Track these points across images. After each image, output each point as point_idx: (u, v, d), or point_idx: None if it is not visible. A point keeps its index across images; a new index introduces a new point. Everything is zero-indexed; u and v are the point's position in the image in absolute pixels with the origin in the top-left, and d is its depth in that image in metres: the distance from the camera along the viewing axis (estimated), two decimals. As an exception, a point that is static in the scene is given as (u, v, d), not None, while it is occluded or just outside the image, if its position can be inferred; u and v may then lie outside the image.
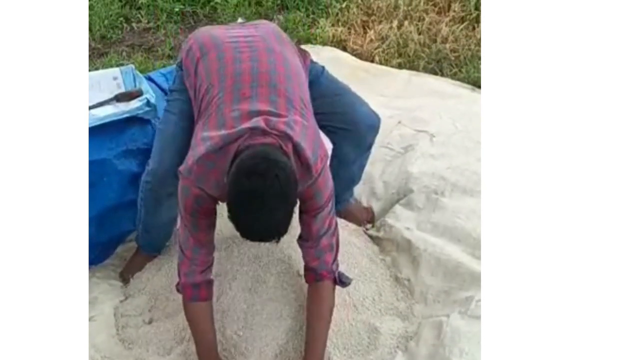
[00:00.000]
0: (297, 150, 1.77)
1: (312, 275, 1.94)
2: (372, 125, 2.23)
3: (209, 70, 1.93)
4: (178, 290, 1.96)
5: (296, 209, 1.78)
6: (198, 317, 1.92)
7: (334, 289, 1.96)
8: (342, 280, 1.99)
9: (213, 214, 1.89)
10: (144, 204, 2.16)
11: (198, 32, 2.10)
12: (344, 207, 2.38)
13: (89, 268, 2.25)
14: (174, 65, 2.27)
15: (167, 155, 2.03)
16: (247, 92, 1.84)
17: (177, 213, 2.22)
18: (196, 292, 1.90)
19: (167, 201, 2.11)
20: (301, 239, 1.95)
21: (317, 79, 2.11)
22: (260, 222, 1.67)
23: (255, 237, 1.74)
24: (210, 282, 1.93)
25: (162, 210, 2.16)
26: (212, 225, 1.91)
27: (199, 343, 1.92)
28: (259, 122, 1.75)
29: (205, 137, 1.79)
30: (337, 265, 1.97)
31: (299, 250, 1.99)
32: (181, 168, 1.83)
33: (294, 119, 1.80)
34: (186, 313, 1.93)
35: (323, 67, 2.18)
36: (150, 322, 2.11)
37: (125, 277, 2.30)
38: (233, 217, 1.69)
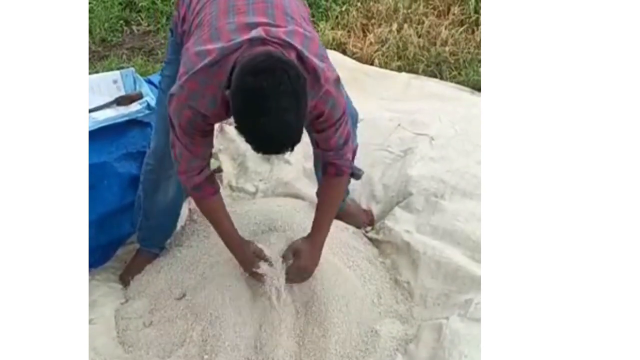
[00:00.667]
0: (301, 58, 1.67)
1: (334, 170, 1.95)
2: (353, 120, 2.15)
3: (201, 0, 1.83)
4: (188, 193, 2.00)
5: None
6: (210, 211, 1.99)
7: (346, 181, 2.07)
8: (356, 173, 2.07)
9: (210, 132, 1.83)
10: (143, 188, 2.17)
11: None
12: (343, 209, 2.39)
13: (89, 271, 2.25)
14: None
15: (164, 135, 1.99)
16: (242, 7, 1.75)
17: (176, 195, 2.23)
18: (200, 192, 1.94)
19: (166, 183, 2.12)
20: (320, 148, 1.91)
21: None
22: (271, 124, 1.55)
23: (267, 144, 1.61)
24: (209, 178, 1.92)
25: (160, 195, 2.16)
26: (210, 140, 1.85)
27: (219, 231, 2.00)
28: (258, 31, 1.66)
29: (201, 51, 1.69)
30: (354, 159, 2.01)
31: None
32: (172, 89, 1.74)
33: (294, 29, 1.71)
34: (201, 210, 2.03)
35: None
36: (150, 325, 2.11)
37: (125, 280, 2.30)
38: (242, 125, 1.60)
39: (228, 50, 1.65)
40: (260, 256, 1.99)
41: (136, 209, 2.24)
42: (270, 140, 1.60)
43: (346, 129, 1.88)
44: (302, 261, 2.01)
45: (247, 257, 2.00)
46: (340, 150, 1.90)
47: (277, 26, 1.71)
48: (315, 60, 1.70)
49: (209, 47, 1.68)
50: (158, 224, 2.26)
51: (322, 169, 2.00)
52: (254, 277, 2.01)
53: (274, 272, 1.99)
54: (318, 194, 2.09)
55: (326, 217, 2.03)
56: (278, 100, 1.54)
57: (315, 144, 1.93)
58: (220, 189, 1.99)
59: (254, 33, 1.66)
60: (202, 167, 1.89)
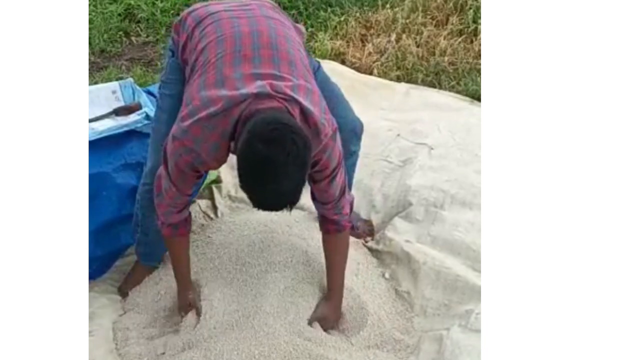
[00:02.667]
0: (304, 114, 1.71)
1: (334, 227, 1.99)
2: (356, 132, 2.21)
3: (205, 32, 1.86)
4: (160, 227, 2.01)
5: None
6: (176, 251, 2.07)
7: (348, 234, 2.08)
8: (354, 225, 2.11)
9: (200, 175, 1.89)
10: (141, 207, 2.16)
11: (192, 8, 2.03)
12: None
13: (88, 282, 2.24)
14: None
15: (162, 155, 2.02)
16: (249, 53, 1.77)
17: None
18: (174, 230, 1.99)
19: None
20: (318, 202, 1.95)
21: (313, 73, 2.04)
22: (277, 191, 1.61)
23: (270, 207, 1.68)
24: (187, 219, 2.00)
25: None
26: (198, 181, 1.93)
27: (176, 269, 2.10)
28: (264, 86, 1.69)
29: (205, 98, 1.72)
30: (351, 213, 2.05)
31: None
32: (174, 130, 1.77)
33: (298, 83, 1.75)
34: (167, 247, 2.09)
35: (319, 63, 2.15)
36: (149, 337, 2.10)
37: (124, 292, 2.29)
38: (247, 187, 1.64)
39: (233, 102, 1.68)
40: (192, 305, 2.09)
41: (134, 224, 2.23)
42: (273, 204, 1.67)
43: (342, 179, 1.90)
44: (327, 325, 2.08)
45: (184, 302, 2.11)
46: (338, 202, 1.92)
47: (282, 78, 1.74)
48: (317, 115, 1.74)
49: (214, 94, 1.71)
50: (157, 239, 2.25)
51: (320, 225, 2.03)
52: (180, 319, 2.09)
53: (196, 322, 2.05)
54: (324, 253, 2.09)
55: (339, 274, 2.07)
56: (286, 170, 1.59)
57: (312, 197, 1.96)
58: (190, 231, 2.07)
59: (260, 88, 1.69)
60: (184, 205, 1.94)
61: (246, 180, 1.64)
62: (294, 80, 1.75)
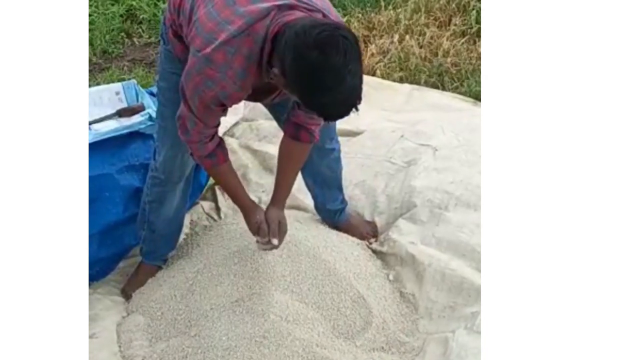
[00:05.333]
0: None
1: (307, 136, 1.94)
2: (328, 133, 2.17)
3: None
4: (199, 162, 1.95)
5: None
6: (224, 177, 2.02)
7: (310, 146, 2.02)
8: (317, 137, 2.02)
9: (226, 108, 1.79)
10: (149, 201, 2.15)
11: None
12: (347, 221, 2.37)
13: (91, 284, 2.24)
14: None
15: (171, 149, 2.02)
16: None
17: (180, 206, 2.23)
18: (214, 159, 1.91)
19: (172, 194, 2.12)
20: (304, 111, 1.85)
21: None
22: (344, 94, 1.53)
23: (341, 111, 1.58)
24: (220, 144, 1.91)
25: (167, 205, 2.15)
26: (225, 114, 1.83)
27: (234, 198, 2.07)
28: None
29: (220, 19, 1.60)
30: None
31: None
32: (190, 64, 1.66)
33: None
34: (213, 177, 2.12)
35: None
36: (152, 340, 2.09)
37: (127, 293, 2.28)
38: (310, 99, 1.57)
39: (255, 17, 1.57)
40: (266, 221, 2.03)
41: (139, 222, 2.22)
42: (342, 106, 1.57)
43: None
44: (284, 228, 2.06)
45: (254, 224, 2.04)
46: None
47: None
48: (339, 20, 1.69)
49: (227, 12, 1.60)
50: (163, 235, 2.25)
51: (290, 130, 1.95)
52: (259, 243, 2.05)
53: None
54: (281, 154, 2.04)
55: (289, 180, 2.06)
56: (348, 70, 1.51)
57: (294, 108, 1.88)
58: (228, 155, 1.97)
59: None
60: (214, 134, 1.86)
61: (309, 92, 1.55)
62: None
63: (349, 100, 1.56)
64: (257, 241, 2.05)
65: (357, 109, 1.59)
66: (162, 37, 1.99)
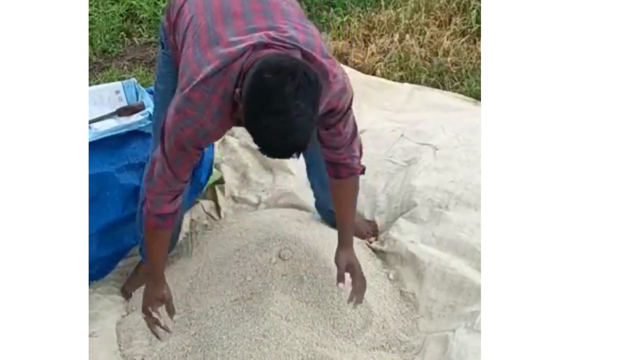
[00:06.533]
0: (307, 58, 1.62)
1: (347, 171, 1.93)
2: None
3: (194, 4, 1.76)
4: (145, 216, 1.89)
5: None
6: (157, 244, 1.94)
7: (358, 178, 2.01)
8: (364, 169, 2.01)
9: (200, 152, 1.80)
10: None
11: None
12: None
13: (90, 283, 2.24)
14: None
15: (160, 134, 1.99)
16: (239, 9, 1.69)
17: (179, 222, 2.22)
18: (161, 222, 1.85)
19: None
20: (330, 149, 1.86)
21: None
22: (286, 126, 1.49)
23: (278, 146, 1.54)
24: (176, 212, 1.87)
25: None
26: (195, 163, 1.83)
27: (153, 262, 1.98)
28: (261, 37, 1.60)
29: (200, 59, 1.63)
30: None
31: None
32: (174, 103, 1.67)
33: (295, 30, 1.66)
34: (147, 235, 1.94)
35: None
36: (152, 339, 2.09)
37: (127, 292, 2.28)
38: (254, 124, 1.53)
39: (231, 56, 1.59)
40: (163, 300, 1.97)
41: (138, 223, 2.22)
42: (283, 142, 1.53)
43: (350, 119, 1.84)
44: (356, 270, 2.01)
45: (156, 296, 1.97)
46: (350, 145, 1.87)
47: (278, 28, 1.65)
48: (321, 59, 1.66)
49: (209, 54, 1.62)
50: None
51: (330, 171, 1.94)
52: (145, 315, 2.00)
53: (163, 316, 1.99)
54: (332, 195, 2.03)
55: (349, 217, 2.04)
56: (296, 103, 1.49)
57: (322, 142, 1.86)
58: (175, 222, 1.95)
59: (257, 39, 1.61)
60: (177, 194, 1.81)
61: (253, 115, 1.53)
62: (290, 29, 1.66)
63: (290, 137, 1.52)
64: (144, 317, 1.99)
65: (297, 156, 1.57)
66: (161, 41, 1.99)
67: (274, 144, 1.54)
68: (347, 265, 2.00)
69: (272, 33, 1.63)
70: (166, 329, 2.00)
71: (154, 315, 1.98)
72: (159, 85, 2.04)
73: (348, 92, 1.78)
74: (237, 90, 1.58)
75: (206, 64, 1.61)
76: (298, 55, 1.61)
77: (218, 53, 1.61)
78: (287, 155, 1.58)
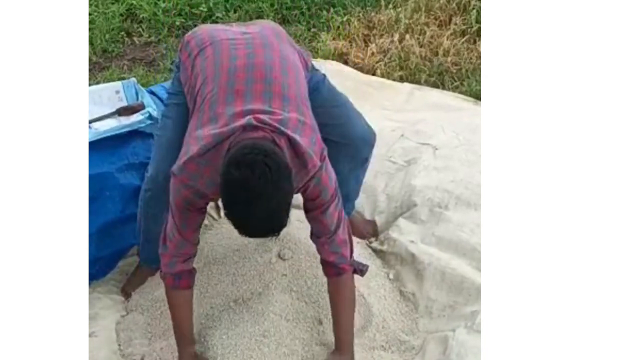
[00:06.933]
0: (292, 144, 1.74)
1: (333, 269, 1.94)
2: (367, 140, 2.21)
3: (204, 65, 1.90)
4: (162, 277, 1.95)
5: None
6: (178, 305, 1.96)
7: (353, 278, 1.99)
8: (360, 269, 2.00)
9: (203, 212, 1.89)
10: (144, 213, 2.15)
11: (197, 29, 2.08)
12: (347, 219, 2.37)
13: (90, 283, 2.23)
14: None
15: (166, 162, 1.99)
16: (242, 88, 1.82)
17: None
18: (177, 281, 1.92)
19: (166, 207, 2.10)
20: (314, 236, 1.93)
21: (317, 87, 2.09)
22: (254, 214, 1.63)
23: (250, 230, 1.70)
24: (191, 272, 1.94)
25: (163, 218, 2.13)
26: (201, 223, 1.91)
27: (176, 328, 1.98)
28: (250, 119, 1.74)
29: (198, 136, 1.78)
30: (352, 256, 1.98)
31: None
32: (173, 167, 1.81)
33: (289, 116, 1.78)
34: (168, 298, 1.97)
35: (324, 76, 2.15)
36: (152, 338, 2.09)
37: (126, 292, 2.28)
38: (227, 211, 1.68)
39: (222, 136, 1.74)
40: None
41: (138, 228, 2.22)
42: (254, 228, 1.68)
43: (337, 213, 1.88)
44: None
45: (185, 357, 1.98)
46: (332, 236, 1.89)
47: (272, 112, 1.77)
48: (305, 146, 1.76)
49: (206, 132, 1.77)
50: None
51: (323, 269, 1.97)
52: None
53: None
54: (329, 297, 2.00)
55: (345, 322, 1.97)
56: (261, 192, 1.61)
57: (310, 233, 1.94)
58: (193, 284, 1.97)
59: (247, 121, 1.73)
60: (189, 256, 1.92)
61: (226, 205, 1.68)
62: (284, 114, 1.78)
63: (260, 223, 1.66)
64: None
65: (277, 235, 1.71)
66: (177, 66, 2.08)
67: (249, 230, 1.70)
68: None
69: (261, 117, 1.75)
70: None
71: None
72: (171, 100, 2.10)
73: (325, 185, 1.82)
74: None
75: (201, 140, 1.76)
76: (283, 139, 1.73)
77: (213, 132, 1.76)
78: (266, 236, 1.73)
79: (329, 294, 1.99)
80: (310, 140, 1.79)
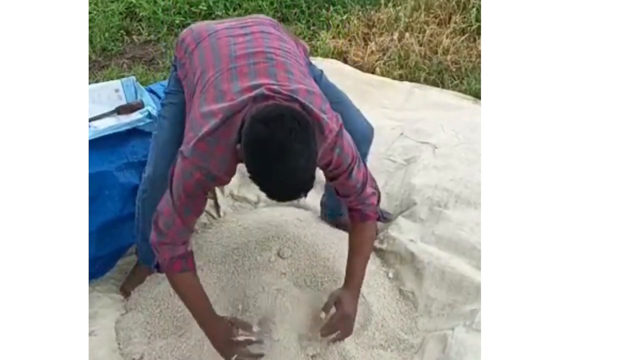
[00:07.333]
0: (306, 110, 1.70)
1: (358, 215, 1.94)
2: (366, 136, 2.21)
3: (203, 56, 1.88)
4: (158, 270, 1.90)
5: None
6: (193, 285, 1.88)
7: (376, 226, 2.01)
8: (384, 217, 2.02)
9: (207, 197, 1.85)
10: (141, 213, 2.14)
11: (193, 25, 2.07)
12: (347, 218, 2.36)
13: (90, 282, 2.23)
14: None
15: (163, 162, 1.99)
16: (245, 69, 1.78)
17: None
18: (184, 263, 1.85)
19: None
20: (341, 196, 1.92)
21: (316, 81, 2.05)
22: (285, 171, 1.57)
23: (282, 190, 1.62)
24: (192, 253, 1.89)
25: None
26: (203, 208, 1.87)
27: (198, 309, 1.88)
28: (261, 90, 1.70)
29: (206, 113, 1.72)
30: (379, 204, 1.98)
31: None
32: (182, 148, 1.76)
33: (297, 87, 1.75)
34: (177, 286, 1.88)
35: (321, 71, 2.15)
36: (151, 337, 2.09)
37: (126, 291, 2.28)
38: (255, 172, 1.61)
39: (233, 109, 1.68)
40: (236, 324, 1.90)
41: (136, 228, 2.21)
42: (285, 186, 1.61)
43: (361, 172, 1.89)
44: (345, 309, 1.93)
45: (221, 332, 1.88)
46: (360, 194, 1.90)
47: (280, 85, 1.74)
48: (319, 112, 1.73)
49: (214, 107, 1.71)
50: None
51: (348, 215, 1.98)
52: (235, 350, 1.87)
53: (255, 334, 1.91)
54: (348, 242, 2.01)
55: (358, 263, 1.97)
56: (290, 147, 1.56)
57: (335, 191, 1.93)
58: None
59: (257, 92, 1.70)
60: (187, 240, 1.86)
61: (253, 165, 1.61)
62: (293, 85, 1.75)
63: (293, 180, 1.59)
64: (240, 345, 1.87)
65: (305, 195, 1.63)
66: (174, 65, 2.07)
67: (279, 189, 1.62)
68: (337, 301, 1.94)
69: (272, 86, 1.72)
70: (260, 353, 1.90)
71: (241, 350, 1.87)
72: (167, 100, 2.09)
73: (346, 152, 1.81)
74: (238, 145, 1.66)
75: (210, 118, 1.71)
76: (296, 106, 1.68)
77: (221, 106, 1.70)
78: (293, 197, 1.66)
79: (350, 237, 1.99)
80: (320, 108, 1.76)
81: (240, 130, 1.66)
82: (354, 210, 1.95)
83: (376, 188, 1.97)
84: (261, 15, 2.14)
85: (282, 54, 1.86)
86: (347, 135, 1.83)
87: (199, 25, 2.03)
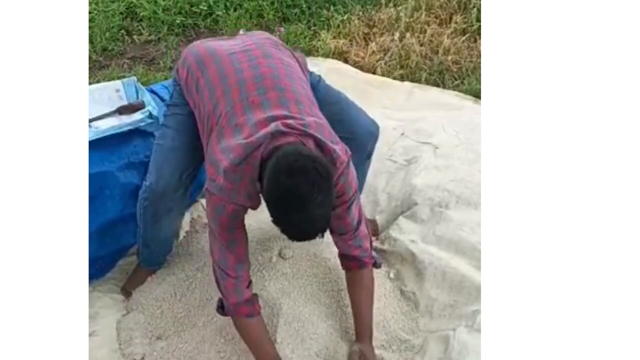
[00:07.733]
0: (319, 145, 1.75)
1: (355, 263, 1.98)
2: (372, 132, 2.22)
3: (211, 86, 1.91)
4: (221, 312, 1.92)
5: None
6: (257, 332, 1.92)
7: (372, 271, 2.03)
8: (378, 263, 2.06)
9: (244, 224, 1.87)
10: (142, 220, 2.15)
11: (192, 47, 2.08)
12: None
13: (91, 282, 2.23)
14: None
15: (165, 171, 2.02)
16: (256, 99, 1.82)
17: (177, 228, 2.25)
18: (251, 308, 1.89)
19: (167, 216, 2.11)
20: (336, 234, 1.95)
21: (314, 87, 2.10)
22: (307, 220, 1.64)
23: (303, 236, 1.70)
24: (256, 296, 1.93)
25: (162, 226, 2.15)
26: (246, 237, 1.90)
27: (261, 356, 1.91)
28: (278, 125, 1.73)
29: (225, 148, 1.76)
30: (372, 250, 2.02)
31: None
32: (208, 186, 1.81)
33: (308, 120, 1.79)
34: (243, 331, 1.92)
35: (319, 76, 2.17)
36: (152, 337, 2.09)
37: (127, 291, 2.28)
38: (278, 219, 1.66)
39: (252, 146, 1.72)
40: None
41: (138, 232, 2.21)
42: (305, 233, 1.68)
43: (357, 209, 1.92)
44: None
45: None
46: (356, 231, 1.93)
47: (293, 117, 1.78)
48: (331, 145, 1.77)
49: (232, 143, 1.75)
50: (159, 250, 2.26)
51: (342, 263, 2.02)
52: None
53: None
54: (348, 292, 2.04)
55: (367, 313, 2.00)
56: (312, 199, 1.61)
57: (330, 230, 1.94)
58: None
59: (273, 127, 1.73)
60: (249, 280, 1.89)
61: (276, 213, 1.66)
62: (304, 118, 1.79)
63: (312, 228, 1.66)
64: None
65: (322, 236, 1.70)
66: (174, 80, 2.10)
67: (299, 235, 1.70)
68: (361, 355, 1.97)
69: (287, 122, 1.75)
70: None
71: None
72: (171, 111, 2.10)
73: (350, 182, 1.85)
74: (258, 184, 1.72)
75: (229, 152, 1.75)
76: (311, 141, 1.74)
77: (240, 142, 1.74)
78: (313, 238, 1.71)
79: (349, 287, 2.02)
80: (331, 140, 1.81)
81: (261, 165, 1.71)
82: (352, 258, 1.98)
83: (368, 231, 2.00)
84: (257, 32, 2.18)
85: (289, 80, 1.89)
86: (352, 168, 1.87)
87: (200, 48, 2.03)
